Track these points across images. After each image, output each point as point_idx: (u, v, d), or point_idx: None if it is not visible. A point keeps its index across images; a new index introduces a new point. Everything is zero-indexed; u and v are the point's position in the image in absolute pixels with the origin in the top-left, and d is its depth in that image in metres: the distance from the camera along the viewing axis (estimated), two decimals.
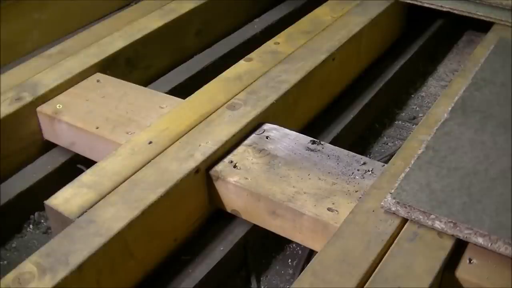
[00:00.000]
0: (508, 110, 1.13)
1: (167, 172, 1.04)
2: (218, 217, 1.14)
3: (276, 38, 1.48)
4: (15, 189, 1.22)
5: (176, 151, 1.10)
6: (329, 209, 0.98)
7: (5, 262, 1.16)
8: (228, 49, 1.64)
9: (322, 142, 1.14)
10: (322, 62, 1.39)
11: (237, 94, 1.26)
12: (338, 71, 1.47)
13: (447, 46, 1.85)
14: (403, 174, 0.99)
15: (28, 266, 0.88)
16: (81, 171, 1.13)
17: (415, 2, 1.67)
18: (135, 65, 1.51)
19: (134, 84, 1.37)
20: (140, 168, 1.06)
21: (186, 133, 1.14)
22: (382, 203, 0.94)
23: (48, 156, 1.32)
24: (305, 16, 1.59)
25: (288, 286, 1.10)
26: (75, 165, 1.30)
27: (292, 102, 1.30)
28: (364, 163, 1.08)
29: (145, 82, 1.49)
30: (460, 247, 0.90)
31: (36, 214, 1.25)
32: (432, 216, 0.90)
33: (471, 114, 1.13)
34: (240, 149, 1.13)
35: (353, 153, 1.11)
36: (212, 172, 1.08)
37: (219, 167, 1.09)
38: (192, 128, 1.16)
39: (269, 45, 1.46)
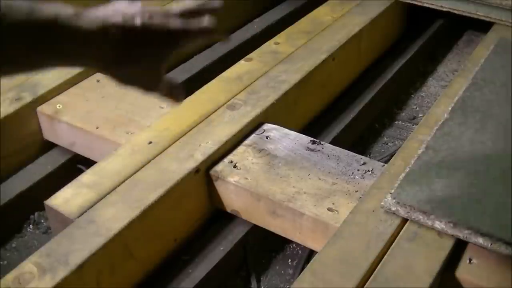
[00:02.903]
0: (508, 110, 1.13)
1: (167, 172, 1.04)
2: (218, 217, 1.14)
3: (276, 38, 1.48)
4: (15, 189, 1.22)
5: (176, 151, 1.10)
6: (329, 209, 0.98)
7: (5, 262, 1.16)
8: (228, 49, 1.64)
9: (322, 142, 1.14)
10: (322, 62, 1.38)
11: (237, 94, 1.26)
12: (338, 71, 1.47)
13: (447, 46, 1.85)
14: (403, 174, 0.99)
15: (28, 266, 0.87)
16: (81, 171, 1.13)
17: (415, 2, 1.67)
18: None
19: None
20: (140, 168, 1.06)
21: (186, 133, 1.14)
22: (382, 203, 0.94)
23: (48, 156, 1.32)
24: (305, 16, 1.59)
25: (288, 286, 1.10)
26: (75, 165, 1.30)
27: (292, 102, 1.30)
28: (364, 163, 1.08)
29: None
30: (460, 247, 0.90)
31: (36, 214, 1.25)
32: (432, 216, 0.90)
33: (471, 114, 1.13)
34: (240, 149, 1.13)
35: (353, 153, 1.11)
36: (212, 172, 1.08)
37: (219, 167, 1.09)
38: (192, 128, 1.16)
39: (269, 45, 1.45)
